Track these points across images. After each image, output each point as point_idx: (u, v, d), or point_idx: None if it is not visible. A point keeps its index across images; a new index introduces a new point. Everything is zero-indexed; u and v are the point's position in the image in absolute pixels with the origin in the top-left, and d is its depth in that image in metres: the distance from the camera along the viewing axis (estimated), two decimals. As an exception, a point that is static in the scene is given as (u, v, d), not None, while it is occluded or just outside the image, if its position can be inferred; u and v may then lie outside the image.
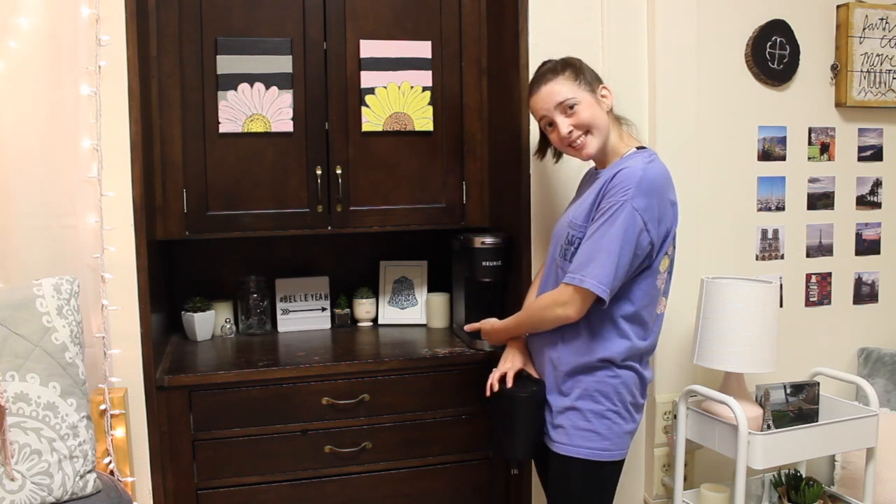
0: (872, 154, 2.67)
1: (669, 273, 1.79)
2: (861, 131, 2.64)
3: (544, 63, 1.83)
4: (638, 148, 1.77)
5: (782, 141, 2.54)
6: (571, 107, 1.73)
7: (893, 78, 2.62)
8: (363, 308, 2.61)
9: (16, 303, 1.70)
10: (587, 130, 1.74)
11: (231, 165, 2.22)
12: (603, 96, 1.77)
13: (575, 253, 1.70)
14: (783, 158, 2.54)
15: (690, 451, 2.34)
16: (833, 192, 2.62)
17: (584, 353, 1.72)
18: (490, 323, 1.98)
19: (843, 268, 2.66)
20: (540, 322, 1.78)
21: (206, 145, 2.19)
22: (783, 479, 2.27)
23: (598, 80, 1.80)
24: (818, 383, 2.15)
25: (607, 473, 1.74)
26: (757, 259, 2.54)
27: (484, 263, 2.16)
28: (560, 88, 1.75)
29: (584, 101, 1.74)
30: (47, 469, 1.65)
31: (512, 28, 2.15)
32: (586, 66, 1.80)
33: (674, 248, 1.78)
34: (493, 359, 2.17)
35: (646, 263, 1.69)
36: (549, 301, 1.73)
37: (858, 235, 2.67)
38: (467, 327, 2.06)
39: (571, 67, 1.77)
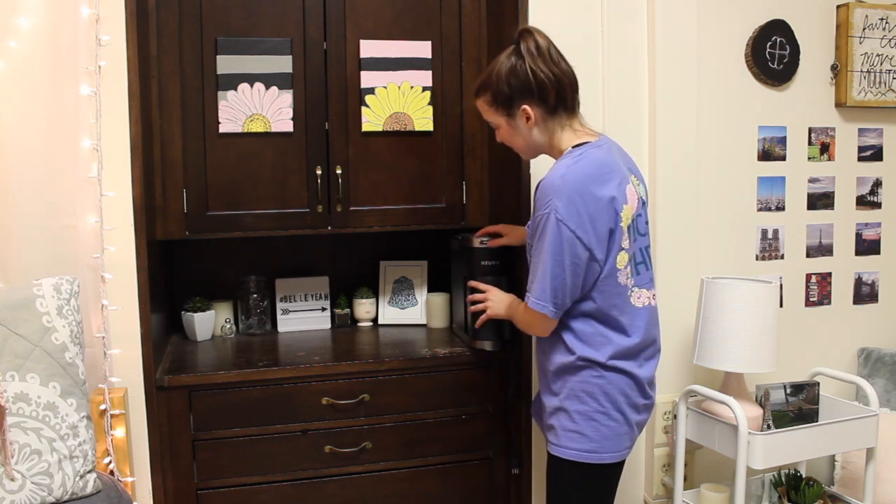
0: (872, 154, 2.67)
1: (644, 264, 1.72)
2: (861, 131, 2.64)
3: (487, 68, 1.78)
4: (575, 146, 1.67)
5: (782, 141, 2.54)
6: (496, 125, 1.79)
7: (893, 78, 2.62)
8: (363, 308, 2.61)
9: (16, 303, 1.70)
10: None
11: (231, 165, 2.22)
12: (527, 118, 1.69)
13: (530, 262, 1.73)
14: (783, 158, 2.54)
15: (690, 451, 2.34)
16: (833, 192, 2.62)
17: (567, 353, 1.70)
18: (501, 296, 1.95)
19: (843, 268, 2.66)
20: (529, 332, 1.84)
21: (206, 145, 2.19)
22: (783, 479, 2.27)
23: (523, 97, 1.67)
24: (818, 383, 2.15)
25: (597, 475, 1.70)
26: (757, 259, 2.54)
27: (483, 263, 2.16)
28: (483, 108, 1.78)
29: (501, 125, 1.76)
30: (47, 469, 1.65)
31: (512, 28, 2.14)
32: (506, 84, 1.68)
33: (638, 237, 1.70)
34: (493, 359, 2.18)
35: (598, 266, 1.63)
36: (525, 321, 1.78)
37: (858, 235, 2.67)
38: (472, 283, 2.05)
39: (488, 92, 1.73)
